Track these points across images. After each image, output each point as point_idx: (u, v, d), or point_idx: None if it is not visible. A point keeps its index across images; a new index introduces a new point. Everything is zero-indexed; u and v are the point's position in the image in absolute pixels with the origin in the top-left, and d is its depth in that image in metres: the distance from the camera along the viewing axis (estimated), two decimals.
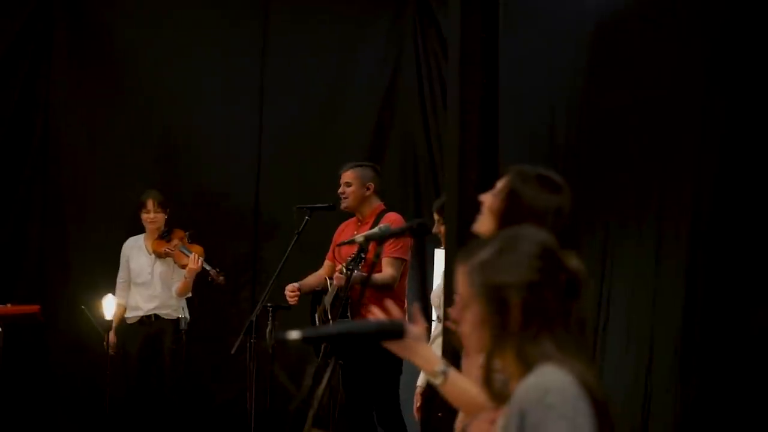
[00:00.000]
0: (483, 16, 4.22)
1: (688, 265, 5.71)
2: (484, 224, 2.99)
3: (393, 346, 2.78)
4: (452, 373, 2.84)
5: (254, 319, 6.44)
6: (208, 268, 7.21)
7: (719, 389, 5.43)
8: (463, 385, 2.84)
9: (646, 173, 6.03)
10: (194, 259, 7.14)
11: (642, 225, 6.05)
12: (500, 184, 2.99)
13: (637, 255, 6.06)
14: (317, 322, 6.37)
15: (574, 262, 2.19)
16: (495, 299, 2.14)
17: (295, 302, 6.36)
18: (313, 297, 6.38)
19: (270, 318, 6.51)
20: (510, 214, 2.89)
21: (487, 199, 3.00)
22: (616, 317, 6.12)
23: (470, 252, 2.22)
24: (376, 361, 5.88)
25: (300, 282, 6.44)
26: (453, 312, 2.28)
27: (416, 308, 2.88)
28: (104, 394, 6.81)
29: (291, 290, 6.33)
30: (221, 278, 7.24)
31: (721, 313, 5.41)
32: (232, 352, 6.45)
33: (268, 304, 6.51)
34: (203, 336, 8.14)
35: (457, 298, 2.24)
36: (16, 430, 7.80)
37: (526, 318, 2.12)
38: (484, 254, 2.19)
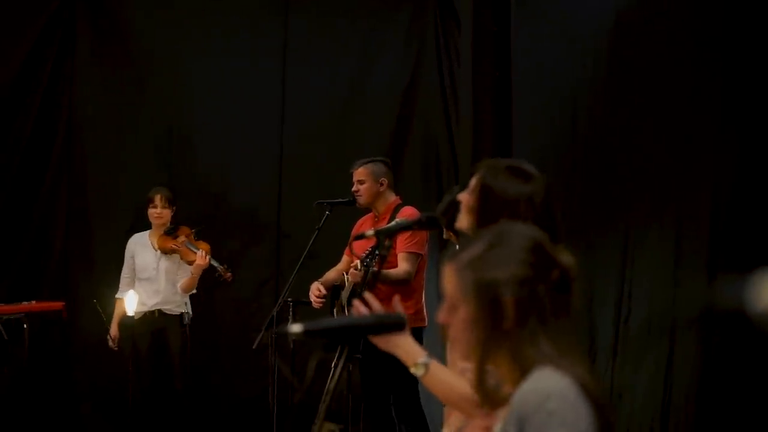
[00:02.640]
0: (494, 10, 4.22)
1: (708, 261, 5.69)
2: (462, 221, 3.05)
3: (375, 339, 2.80)
4: (433, 364, 2.86)
5: (275, 314, 6.44)
6: (215, 264, 7.22)
7: (739, 383, 5.41)
8: (445, 377, 2.88)
9: (667, 172, 6.01)
10: (202, 256, 7.16)
11: (663, 222, 6.03)
12: (473, 181, 3.03)
13: (658, 252, 6.04)
14: (336, 317, 6.36)
15: (565, 257, 2.11)
16: (487, 297, 2.05)
17: (320, 306, 6.29)
18: (332, 292, 6.38)
19: (291, 313, 6.53)
20: (484, 208, 2.95)
21: (464, 198, 3.05)
22: (637, 312, 6.11)
23: (458, 251, 2.15)
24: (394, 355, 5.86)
25: (321, 279, 6.40)
26: (440, 315, 2.16)
27: (396, 300, 2.89)
28: (126, 390, 6.84)
29: (317, 294, 6.24)
30: (229, 274, 7.24)
31: (740, 309, 5.38)
32: (254, 347, 6.47)
33: (289, 299, 6.52)
34: (226, 332, 8.19)
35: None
36: (40, 424, 7.87)
37: (520, 316, 2.04)
38: (473, 251, 2.11)
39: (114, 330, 7.31)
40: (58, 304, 7.42)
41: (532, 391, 1.99)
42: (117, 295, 7.40)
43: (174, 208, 7.40)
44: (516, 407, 1.99)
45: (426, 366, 2.84)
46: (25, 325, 7.20)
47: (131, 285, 7.37)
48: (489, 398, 2.13)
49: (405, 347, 2.85)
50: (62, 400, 8.09)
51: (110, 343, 7.28)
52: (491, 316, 2.05)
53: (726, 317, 5.48)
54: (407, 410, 6.22)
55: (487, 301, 2.05)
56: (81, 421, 8.12)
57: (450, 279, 2.12)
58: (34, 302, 7.39)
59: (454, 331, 2.13)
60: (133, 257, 7.45)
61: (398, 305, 2.88)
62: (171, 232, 7.36)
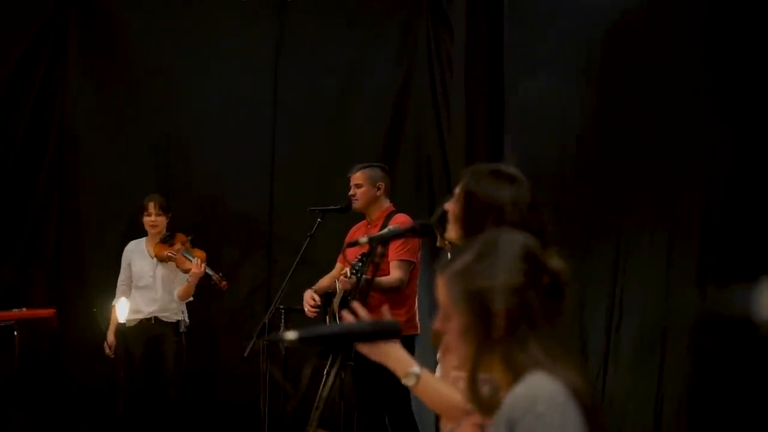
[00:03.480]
0: (487, 17, 4.22)
1: (699, 267, 5.70)
2: (451, 232, 3.03)
3: (365, 349, 2.79)
4: (425, 374, 2.84)
5: (267, 321, 6.42)
6: (210, 273, 7.22)
7: (732, 390, 5.41)
8: (436, 387, 2.86)
9: (660, 178, 6.01)
10: (197, 264, 7.16)
11: (654, 228, 6.03)
12: (457, 189, 3.02)
13: (650, 258, 6.04)
14: (329, 324, 6.33)
15: (556, 262, 2.11)
16: (477, 306, 2.06)
17: (314, 315, 6.26)
18: (324, 299, 6.37)
19: (283, 320, 6.51)
20: (470, 215, 2.93)
21: (450, 207, 3.03)
22: (628, 319, 6.10)
23: (449, 260, 2.15)
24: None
25: (314, 287, 6.39)
26: (435, 324, 2.18)
27: (385, 308, 2.88)
28: (117, 397, 6.83)
29: (312, 304, 6.22)
30: (224, 283, 7.24)
31: (732, 315, 5.39)
32: (245, 354, 6.44)
33: (281, 306, 6.51)
34: (218, 339, 8.17)
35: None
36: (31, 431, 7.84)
37: (510, 323, 2.05)
38: (463, 261, 2.11)
39: (111, 337, 7.29)
40: (48, 312, 7.38)
41: (522, 395, 2.00)
42: (113, 303, 7.39)
43: (168, 215, 7.40)
44: (506, 411, 2.01)
45: (417, 376, 2.83)
46: (15, 333, 7.16)
47: (128, 293, 7.36)
48: (483, 405, 2.13)
49: (396, 357, 2.84)
50: (53, 408, 8.05)
51: (107, 350, 7.27)
52: (482, 326, 2.06)
53: (718, 324, 5.48)
54: (400, 419, 6.21)
55: (478, 310, 2.06)
56: (72, 429, 8.09)
57: (441, 289, 2.13)
58: (24, 309, 7.35)
59: (448, 340, 2.14)
60: (129, 265, 7.44)
61: (386, 313, 2.87)
62: (167, 239, 7.36)
